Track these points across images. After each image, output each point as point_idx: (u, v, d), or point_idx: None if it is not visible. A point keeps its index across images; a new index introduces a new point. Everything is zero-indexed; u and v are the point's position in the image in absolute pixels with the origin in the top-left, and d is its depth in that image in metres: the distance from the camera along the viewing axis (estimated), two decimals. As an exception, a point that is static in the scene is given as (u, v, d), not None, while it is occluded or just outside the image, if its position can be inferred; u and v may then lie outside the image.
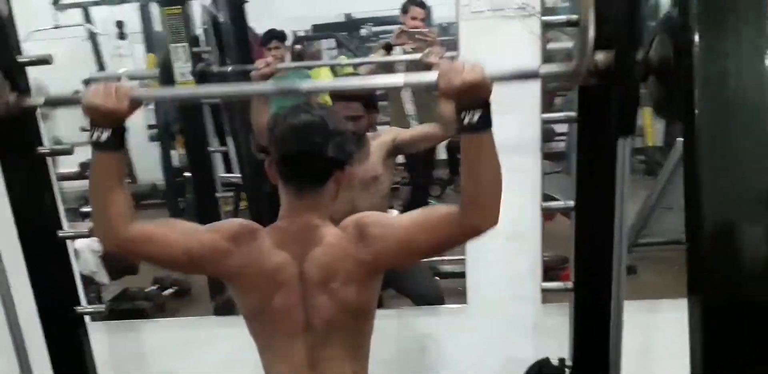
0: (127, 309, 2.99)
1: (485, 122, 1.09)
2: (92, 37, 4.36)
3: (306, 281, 1.23)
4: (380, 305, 2.36)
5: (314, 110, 1.23)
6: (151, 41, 3.88)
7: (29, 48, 3.99)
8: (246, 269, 1.22)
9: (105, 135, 1.11)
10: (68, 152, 1.43)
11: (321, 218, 1.25)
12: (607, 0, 1.12)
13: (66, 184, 3.92)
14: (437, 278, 2.44)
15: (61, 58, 4.40)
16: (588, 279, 1.43)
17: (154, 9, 3.96)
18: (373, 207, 2.30)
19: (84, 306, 1.52)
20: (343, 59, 4.73)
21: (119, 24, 4.16)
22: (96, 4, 4.24)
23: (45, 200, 1.46)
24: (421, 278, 2.26)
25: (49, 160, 1.45)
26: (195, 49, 2.32)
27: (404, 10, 2.79)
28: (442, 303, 2.18)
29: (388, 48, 2.70)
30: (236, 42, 2.76)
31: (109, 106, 1.10)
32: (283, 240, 1.23)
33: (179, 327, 2.20)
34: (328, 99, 2.19)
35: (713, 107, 0.88)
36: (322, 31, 4.88)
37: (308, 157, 1.19)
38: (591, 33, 1.10)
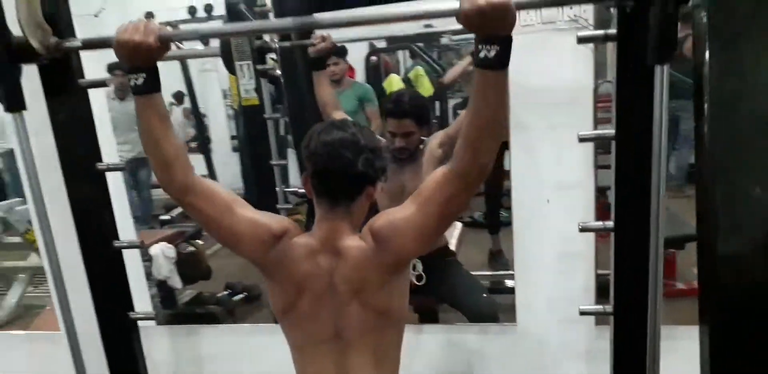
0: (199, 313, 3.17)
1: (501, 60, 1.05)
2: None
3: (336, 293, 1.27)
4: (433, 320, 2.38)
5: (348, 128, 1.27)
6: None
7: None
8: (278, 268, 1.28)
9: (141, 79, 1.18)
10: (123, 168, 1.53)
11: (350, 231, 1.29)
12: None
13: (155, 191, 4.19)
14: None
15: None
16: (628, 302, 1.37)
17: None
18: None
19: (137, 311, 1.61)
20: (419, 70, 4.79)
21: (208, 8, 4.39)
22: (185, 21, 4.54)
23: (104, 213, 1.56)
24: (475, 293, 2.24)
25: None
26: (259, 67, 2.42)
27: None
28: (496, 320, 2.14)
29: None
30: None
31: (136, 39, 1.15)
32: (313, 251, 1.28)
33: (237, 333, 2.28)
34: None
35: (724, 131, 0.83)
36: (397, 42, 4.95)
37: (339, 172, 1.23)
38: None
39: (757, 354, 0.92)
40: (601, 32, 1.30)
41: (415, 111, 2.17)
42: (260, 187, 2.71)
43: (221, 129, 5.21)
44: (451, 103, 4.87)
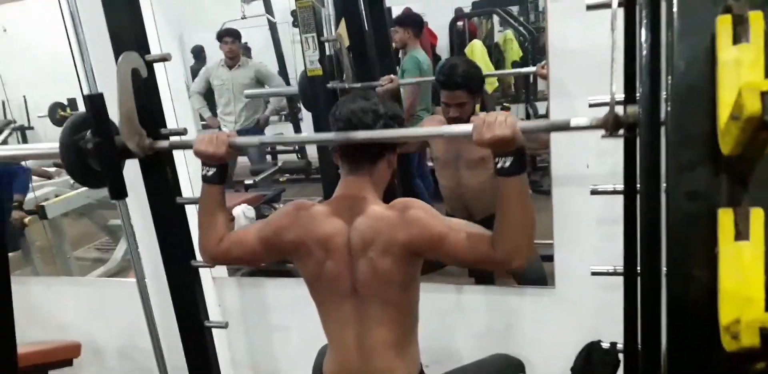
0: (275, 270, 3.42)
1: (517, 167, 1.19)
2: (272, 26, 4.87)
3: (351, 246, 1.37)
4: (490, 281, 2.45)
5: (371, 97, 1.38)
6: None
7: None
8: (302, 238, 1.40)
9: (210, 172, 1.43)
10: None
11: (371, 194, 1.40)
12: (632, 59, 1.13)
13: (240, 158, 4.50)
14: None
15: (253, 44, 4.94)
16: (635, 262, 1.38)
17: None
18: (480, 186, 2.37)
19: (197, 260, 1.83)
20: (509, 33, 4.72)
21: (294, 13, 4.60)
22: (276, -5, 4.72)
23: (167, 172, 1.77)
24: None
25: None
26: (322, 39, 2.53)
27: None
28: (545, 283, 2.19)
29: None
30: (376, 28, 2.88)
31: (210, 150, 1.39)
32: (336, 210, 1.39)
33: (295, 286, 2.49)
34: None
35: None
36: (484, 7, 4.88)
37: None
38: (615, 88, 1.15)
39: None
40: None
41: (467, 82, 2.20)
42: (326, 153, 2.84)
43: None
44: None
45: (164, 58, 1.69)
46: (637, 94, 1.03)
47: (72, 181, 3.64)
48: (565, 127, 1.26)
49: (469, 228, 1.30)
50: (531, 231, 1.24)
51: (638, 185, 1.25)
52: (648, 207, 1.26)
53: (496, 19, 4.89)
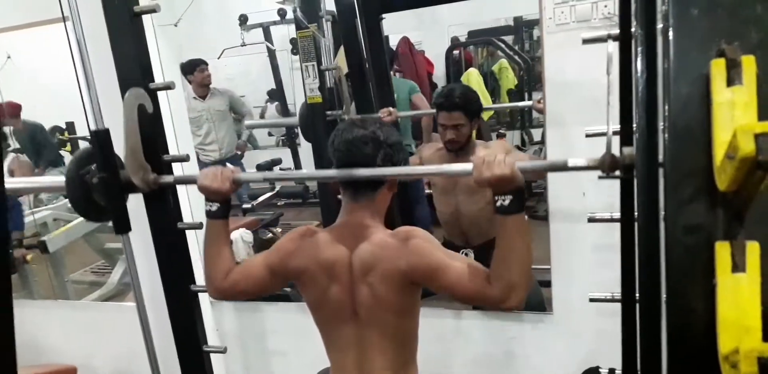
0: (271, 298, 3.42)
1: (515, 206, 1.21)
2: (270, 53, 4.94)
3: (353, 272, 1.39)
4: (483, 306, 2.46)
5: (368, 125, 1.41)
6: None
7: (224, 62, 4.62)
8: (307, 264, 1.41)
9: (214, 207, 1.46)
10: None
11: (374, 220, 1.42)
12: (628, 99, 1.15)
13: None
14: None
15: (252, 70, 5.04)
16: (633, 289, 1.41)
17: (325, 26, 4.43)
18: (478, 212, 2.40)
19: (197, 285, 1.84)
20: (504, 62, 4.82)
21: (293, 41, 4.69)
22: (275, 23, 4.81)
23: (168, 199, 1.79)
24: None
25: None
26: (322, 67, 2.59)
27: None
28: (543, 309, 2.20)
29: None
30: (374, 57, 2.94)
31: (215, 186, 1.42)
32: (339, 237, 1.41)
33: (294, 311, 2.51)
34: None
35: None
36: (477, 36, 4.99)
37: (360, 166, 1.36)
38: (611, 131, 1.18)
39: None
40: (604, 33, 1.34)
41: (465, 104, 2.25)
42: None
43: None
44: (536, 95, 4.85)
45: (168, 87, 1.73)
46: (635, 137, 1.06)
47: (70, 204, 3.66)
48: (563, 167, 1.29)
49: (469, 263, 1.31)
50: (529, 270, 1.26)
51: (636, 214, 1.29)
52: (647, 240, 1.29)
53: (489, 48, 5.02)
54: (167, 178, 1.63)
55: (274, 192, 3.58)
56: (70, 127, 4.80)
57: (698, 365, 0.80)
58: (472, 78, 4.43)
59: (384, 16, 3.11)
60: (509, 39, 4.81)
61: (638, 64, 1.03)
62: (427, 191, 2.75)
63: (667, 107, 0.77)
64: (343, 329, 1.44)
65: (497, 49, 4.87)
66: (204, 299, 2.33)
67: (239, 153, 4.51)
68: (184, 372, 1.87)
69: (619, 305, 1.89)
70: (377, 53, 2.91)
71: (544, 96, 1.94)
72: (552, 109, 1.92)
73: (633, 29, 1.04)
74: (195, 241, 1.57)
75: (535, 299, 2.25)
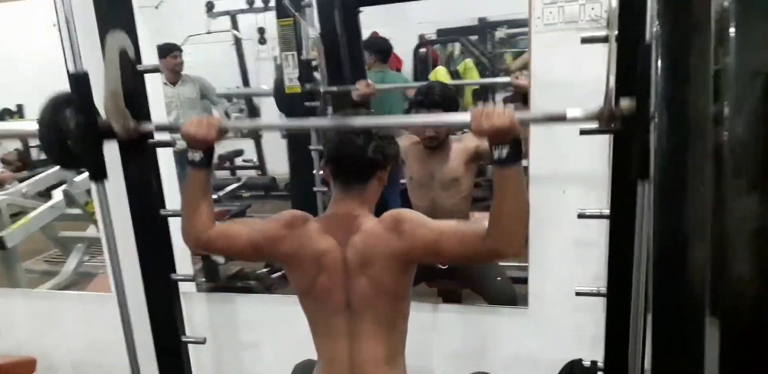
0: (239, 286, 3.38)
1: (513, 157, 1.22)
2: (237, 41, 4.86)
3: (347, 264, 1.39)
4: (458, 300, 2.50)
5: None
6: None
7: (187, 50, 4.49)
8: (297, 251, 1.41)
9: (197, 155, 1.40)
10: (173, 144, 1.73)
11: (364, 210, 1.42)
12: (629, 51, 1.21)
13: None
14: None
15: (215, 58, 4.92)
16: (620, 283, 1.46)
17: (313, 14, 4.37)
18: (453, 207, 2.44)
19: (178, 273, 1.80)
20: (469, 62, 4.86)
21: (261, 30, 4.63)
22: (242, 11, 4.73)
23: (152, 183, 1.75)
24: (495, 279, 2.36)
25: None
26: (303, 58, 2.57)
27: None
28: (515, 303, 2.26)
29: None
30: (349, 51, 2.95)
31: (201, 133, 1.38)
32: (329, 228, 1.41)
33: (267, 302, 2.51)
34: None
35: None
36: (447, 35, 5.03)
37: (352, 158, 1.38)
38: (612, 82, 1.21)
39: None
40: (603, 33, 1.39)
41: (444, 101, 2.27)
42: (299, 171, 2.87)
43: (273, 115, 5.39)
44: (499, 96, 4.92)
45: (157, 69, 1.70)
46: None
47: (24, 190, 3.52)
48: (561, 118, 1.34)
49: (459, 227, 1.33)
50: (526, 219, 1.27)
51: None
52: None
53: (457, 47, 5.06)
54: (148, 126, 1.58)
55: (240, 183, 3.52)
56: (20, 109, 4.61)
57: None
58: (440, 76, 4.45)
59: (361, 9, 3.15)
60: (475, 40, 4.86)
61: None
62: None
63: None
64: (335, 318, 1.44)
65: (464, 48, 4.92)
66: (174, 289, 2.29)
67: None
68: (161, 363, 1.84)
69: (593, 300, 1.98)
70: (354, 45, 2.94)
71: (530, 94, 1.98)
72: (537, 106, 1.96)
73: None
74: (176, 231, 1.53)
75: (507, 294, 2.30)
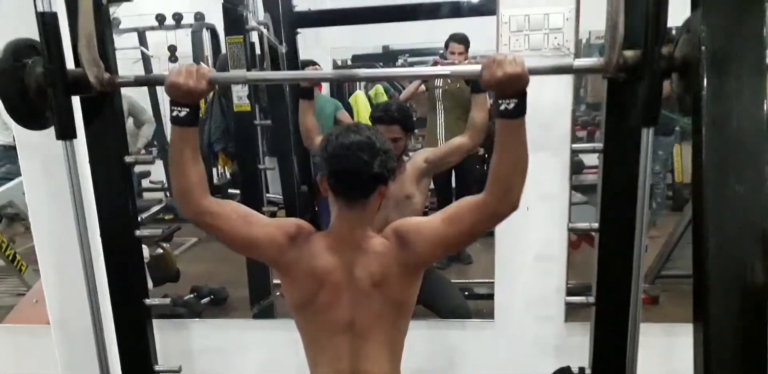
0: (166, 314, 3.18)
1: (520, 110, 1.23)
2: (145, 59, 4.65)
3: (355, 284, 1.36)
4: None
5: (363, 131, 1.39)
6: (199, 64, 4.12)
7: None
8: (296, 265, 1.36)
9: (183, 112, 1.28)
10: (151, 161, 1.65)
11: (367, 228, 1.39)
12: (635, 2, 1.26)
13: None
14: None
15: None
16: (609, 293, 1.57)
17: (205, 35, 4.24)
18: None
19: (152, 299, 1.69)
20: (379, 88, 4.99)
21: (171, 48, 4.45)
22: (152, 28, 4.54)
23: (128, 206, 1.64)
24: (449, 294, 2.41)
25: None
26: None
27: (445, 45, 3.03)
28: (469, 316, 2.32)
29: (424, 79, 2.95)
30: (289, 64, 2.95)
31: (190, 84, 1.26)
32: (333, 246, 1.37)
33: (222, 327, 2.40)
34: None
35: (718, 148, 1.04)
36: (361, 61, 5.16)
37: (356, 172, 1.33)
38: (620, 31, 1.25)
39: (750, 351, 1.04)
40: (595, 60, 1.50)
41: (403, 118, 2.32)
42: (248, 190, 2.80)
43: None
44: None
45: None
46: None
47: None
48: (568, 69, 1.41)
49: (456, 210, 1.34)
50: (526, 170, 1.29)
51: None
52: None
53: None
54: (126, 78, 1.45)
55: (163, 205, 3.33)
56: None
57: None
58: (360, 100, 4.54)
59: (299, 31, 3.18)
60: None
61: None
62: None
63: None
64: (337, 338, 1.41)
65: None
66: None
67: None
68: (131, 396, 1.69)
69: (552, 313, 2.09)
70: (292, 61, 2.96)
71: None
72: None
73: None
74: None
75: (464, 308, 2.37)
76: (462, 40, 2.98)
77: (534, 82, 1.97)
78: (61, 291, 2.22)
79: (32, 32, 1.38)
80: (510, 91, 1.23)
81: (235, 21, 2.52)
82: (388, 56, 5.09)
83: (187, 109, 1.28)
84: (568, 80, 2.01)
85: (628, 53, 1.30)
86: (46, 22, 1.35)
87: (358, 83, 5.28)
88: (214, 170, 3.81)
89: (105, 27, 1.49)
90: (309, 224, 1.43)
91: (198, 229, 1.36)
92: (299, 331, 1.45)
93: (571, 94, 2.02)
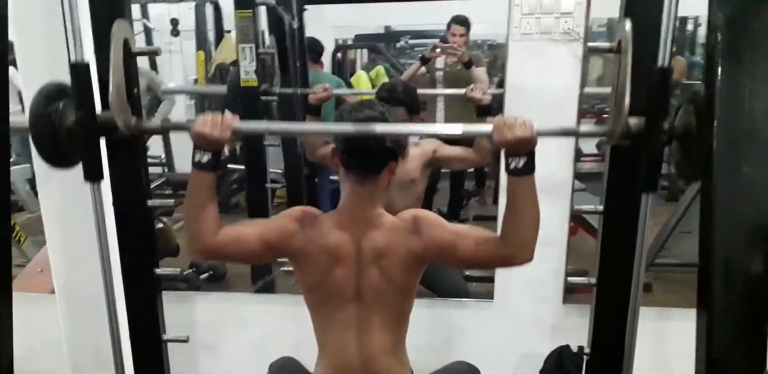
0: (164, 288, 3.20)
1: (529, 168, 1.29)
2: (147, 32, 4.60)
3: (362, 257, 1.40)
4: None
5: (376, 107, 1.42)
6: (202, 39, 4.09)
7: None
8: (308, 246, 1.40)
9: (206, 157, 1.32)
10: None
11: (377, 204, 1.43)
12: (640, 73, 1.30)
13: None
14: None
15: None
16: (610, 273, 1.60)
17: (209, 9, 4.20)
18: (406, 207, 2.49)
19: (162, 268, 1.71)
20: (381, 69, 4.97)
21: (173, 21, 4.41)
22: (155, 1, 4.50)
23: (140, 175, 1.65)
24: (449, 276, 2.44)
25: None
26: (260, 51, 2.52)
27: (447, 26, 3.02)
28: (468, 296, 2.37)
29: (425, 61, 2.94)
30: (298, 44, 2.95)
31: (215, 135, 1.31)
32: (344, 222, 1.41)
33: (230, 300, 2.43)
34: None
35: (730, 141, 1.07)
36: (363, 40, 5.14)
37: (369, 147, 1.37)
38: (626, 101, 1.28)
39: (753, 337, 1.06)
40: (606, 44, 1.51)
41: (408, 99, 2.33)
42: (251, 166, 2.80)
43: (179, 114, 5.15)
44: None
45: (155, 52, 1.61)
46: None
47: None
48: (574, 133, 1.47)
49: (475, 232, 1.39)
50: (538, 226, 1.34)
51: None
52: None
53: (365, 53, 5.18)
54: (153, 123, 1.50)
55: (164, 179, 3.33)
56: None
57: None
58: (362, 80, 4.52)
59: (306, 7, 3.16)
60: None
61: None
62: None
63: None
64: (344, 311, 1.45)
65: (379, 55, 5.04)
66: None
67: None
68: (139, 364, 1.73)
69: (550, 294, 2.13)
70: (299, 39, 2.96)
71: (504, 97, 2.09)
72: (511, 111, 2.08)
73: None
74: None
75: (464, 290, 2.41)
76: (463, 21, 2.99)
77: (545, 64, 2.03)
78: (67, 261, 2.25)
79: (61, 73, 1.44)
80: (519, 150, 1.28)
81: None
82: (390, 36, 5.07)
83: (210, 155, 1.33)
84: (576, 63, 2.02)
85: (632, 120, 1.33)
86: (78, 72, 1.42)
87: (359, 62, 5.31)
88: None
89: (131, 75, 1.53)
90: (313, 208, 1.47)
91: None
92: (309, 308, 1.49)
93: (578, 76, 2.02)
